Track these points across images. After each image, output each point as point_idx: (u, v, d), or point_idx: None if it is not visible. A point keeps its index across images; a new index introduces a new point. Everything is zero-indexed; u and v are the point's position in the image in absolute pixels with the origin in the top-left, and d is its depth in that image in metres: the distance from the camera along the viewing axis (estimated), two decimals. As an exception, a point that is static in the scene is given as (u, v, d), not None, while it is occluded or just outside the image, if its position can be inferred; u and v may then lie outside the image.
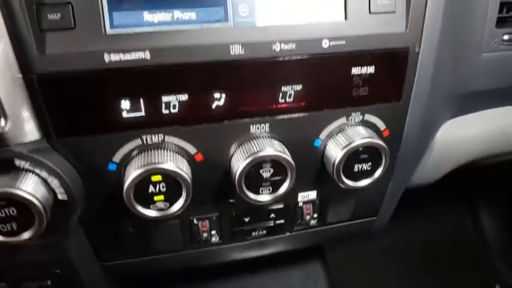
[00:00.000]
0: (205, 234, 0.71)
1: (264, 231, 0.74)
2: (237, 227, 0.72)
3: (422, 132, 0.73)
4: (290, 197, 0.71)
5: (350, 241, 1.63)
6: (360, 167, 0.64)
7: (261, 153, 0.59)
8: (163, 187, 0.57)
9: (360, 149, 0.62)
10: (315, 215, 0.75)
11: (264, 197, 0.63)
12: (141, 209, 0.58)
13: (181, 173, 0.56)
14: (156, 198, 0.58)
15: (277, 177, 0.61)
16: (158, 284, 0.94)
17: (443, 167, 0.92)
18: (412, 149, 0.73)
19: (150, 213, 0.59)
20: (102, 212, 0.63)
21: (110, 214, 0.64)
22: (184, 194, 0.58)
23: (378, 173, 0.66)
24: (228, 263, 1.01)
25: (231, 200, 0.68)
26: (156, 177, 0.57)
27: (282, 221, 0.74)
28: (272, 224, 0.73)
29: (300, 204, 0.73)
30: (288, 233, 0.78)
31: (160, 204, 0.59)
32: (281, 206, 0.72)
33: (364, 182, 0.66)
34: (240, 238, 0.74)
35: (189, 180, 0.57)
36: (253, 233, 0.74)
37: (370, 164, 0.65)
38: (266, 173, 0.61)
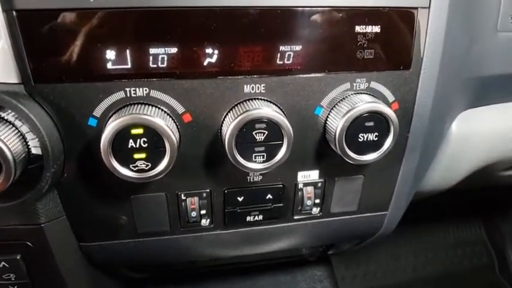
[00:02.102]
0: (194, 214, 0.64)
1: (260, 217, 0.67)
2: (230, 208, 0.65)
3: (435, 114, 0.66)
4: (288, 175, 0.64)
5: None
6: (365, 136, 0.58)
7: (254, 111, 0.54)
8: (144, 143, 0.52)
9: (364, 115, 0.56)
10: (317, 201, 0.67)
11: (257, 165, 0.56)
12: (119, 167, 0.53)
13: (164, 126, 0.51)
14: (136, 156, 0.53)
15: (272, 142, 0.55)
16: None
17: (460, 167, 0.84)
18: (424, 132, 0.66)
19: (129, 173, 0.53)
20: (79, 174, 0.58)
21: (89, 178, 0.58)
22: (168, 153, 0.53)
23: (386, 145, 0.59)
24: (227, 267, 0.93)
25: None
26: (137, 130, 0.52)
27: (280, 204, 0.66)
28: (269, 207, 0.66)
29: (300, 186, 0.66)
30: (287, 223, 0.70)
31: (141, 165, 0.54)
32: (279, 185, 0.65)
33: (370, 156, 0.59)
34: (233, 223, 0.67)
35: (173, 137, 0.52)
36: (248, 218, 0.66)
37: (376, 134, 0.58)
38: (260, 135, 0.55)
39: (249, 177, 0.63)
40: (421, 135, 0.66)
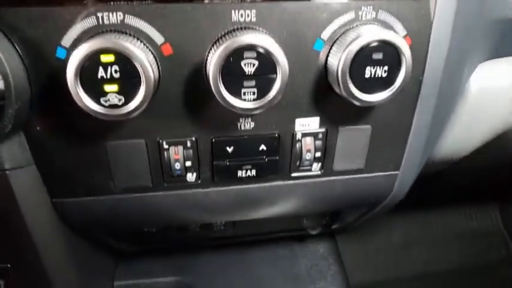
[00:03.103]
0: (178, 165, 0.57)
1: (253, 172, 0.59)
2: (218, 160, 0.58)
3: (452, 57, 0.58)
4: (285, 122, 0.57)
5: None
6: (373, 71, 0.50)
7: (242, 37, 0.46)
8: (116, 72, 0.45)
9: (372, 45, 0.49)
10: (318, 154, 0.60)
11: (247, 103, 0.49)
12: (88, 101, 0.46)
13: (137, 52, 0.45)
14: (107, 88, 0.46)
15: (264, 75, 0.48)
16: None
17: (478, 129, 0.75)
18: (439, 78, 0.58)
19: (99, 109, 0.47)
20: (47, 115, 0.51)
21: (58, 119, 0.52)
22: (143, 85, 0.46)
23: (398, 82, 0.51)
24: (222, 241, 0.86)
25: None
26: (107, 57, 0.45)
27: (275, 157, 0.59)
28: (263, 161, 0.59)
29: (298, 136, 0.58)
30: (284, 182, 0.62)
31: (113, 99, 0.47)
32: (274, 134, 0.57)
33: (379, 96, 0.51)
34: (223, 179, 0.60)
35: (147, 64, 0.45)
36: (239, 173, 0.59)
37: (385, 68, 0.50)
38: (249, 67, 0.48)
39: (239, 124, 0.56)
40: (436, 82, 0.58)
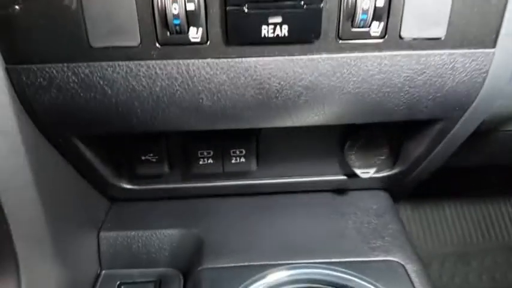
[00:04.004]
0: (175, 9, 0.39)
1: (285, 29, 0.41)
2: (233, 4, 0.39)
3: None
4: None
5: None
6: None
7: None
8: None
9: None
10: (380, 3, 0.41)
11: None
12: None
13: None
14: None
15: None
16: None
17: None
18: None
19: None
20: None
21: None
22: None
23: None
24: (250, 189, 0.66)
25: None
26: None
27: (319, 5, 0.40)
28: (299, 10, 0.40)
29: (352, -27, 0.40)
30: (329, 53, 0.43)
31: None
32: (315, -36, 0.39)
33: None
34: (240, 38, 0.42)
35: None
36: (264, 30, 0.41)
37: None
38: None
39: None
40: None
